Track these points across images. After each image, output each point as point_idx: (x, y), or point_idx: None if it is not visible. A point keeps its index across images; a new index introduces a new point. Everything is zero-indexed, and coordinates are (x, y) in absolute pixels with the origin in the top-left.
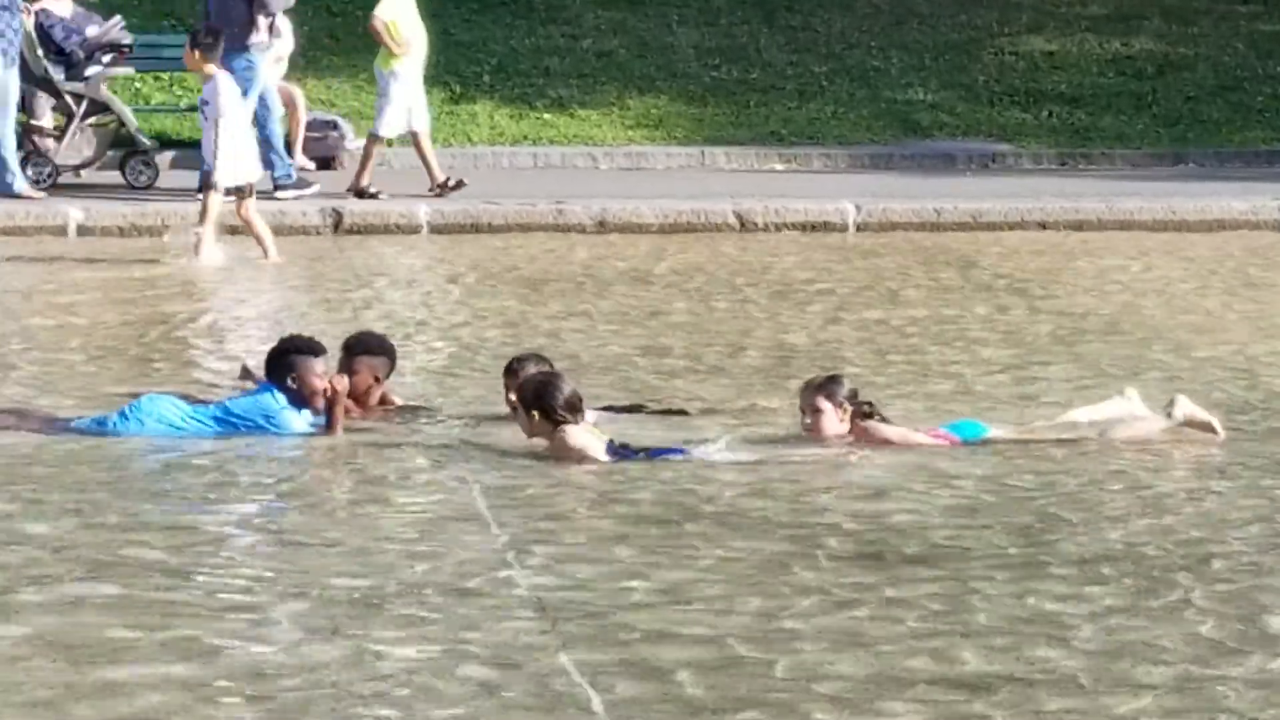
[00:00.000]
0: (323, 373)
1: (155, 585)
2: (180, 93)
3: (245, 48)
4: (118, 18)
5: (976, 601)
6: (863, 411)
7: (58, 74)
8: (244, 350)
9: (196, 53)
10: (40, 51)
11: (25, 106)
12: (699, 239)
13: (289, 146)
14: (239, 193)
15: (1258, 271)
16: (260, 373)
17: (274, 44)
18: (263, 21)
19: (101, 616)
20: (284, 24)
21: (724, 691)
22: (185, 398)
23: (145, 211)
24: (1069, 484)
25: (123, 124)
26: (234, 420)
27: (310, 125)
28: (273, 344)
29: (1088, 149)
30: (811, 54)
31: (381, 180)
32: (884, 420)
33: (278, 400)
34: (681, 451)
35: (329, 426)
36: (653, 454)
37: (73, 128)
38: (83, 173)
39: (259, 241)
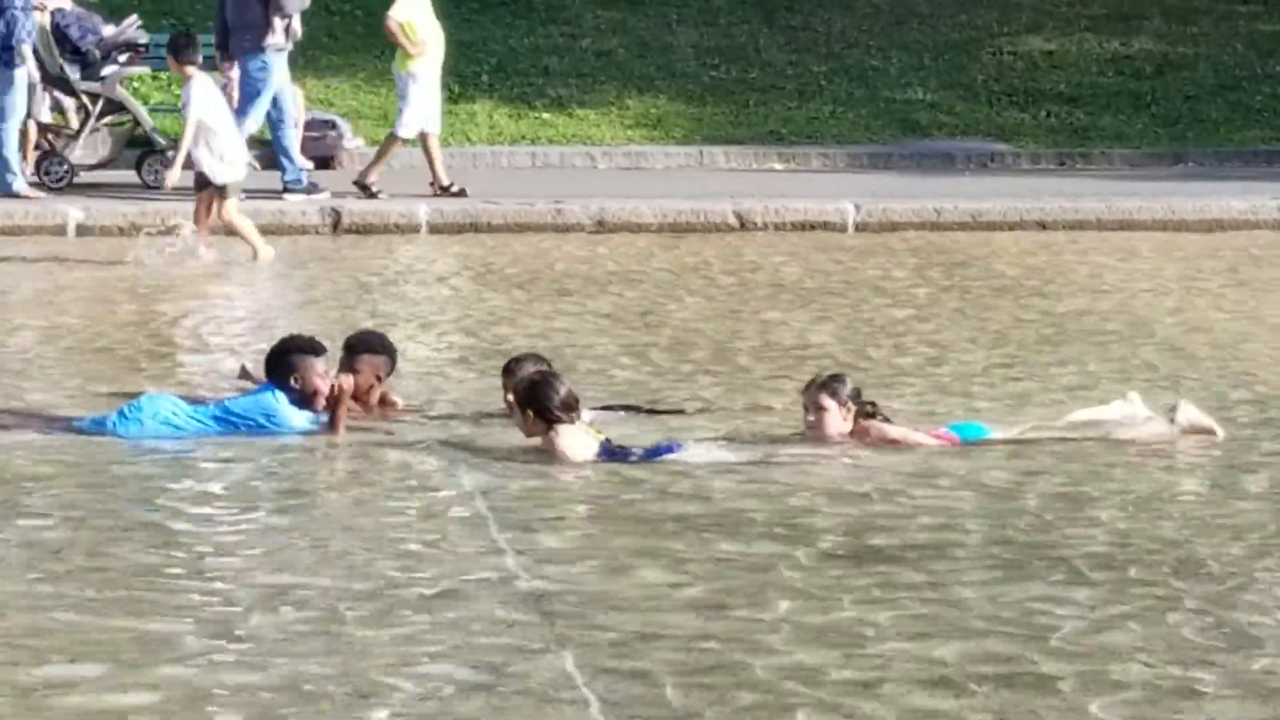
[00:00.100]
0: (324, 372)
1: (154, 584)
2: (180, 92)
3: (261, 49)
4: (134, 17)
5: (969, 601)
6: (866, 411)
7: (74, 73)
8: (242, 348)
9: (172, 57)
10: (56, 51)
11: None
12: (698, 239)
13: None
14: (220, 193)
15: (1257, 271)
16: (259, 373)
17: (290, 45)
18: (278, 23)
19: (101, 615)
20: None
21: (722, 692)
22: (185, 397)
23: (145, 211)
24: (1066, 485)
25: (138, 124)
26: (234, 420)
27: (309, 125)
28: (272, 344)
29: (1087, 149)
30: (811, 54)
31: (381, 180)
32: (887, 420)
33: (278, 399)
34: (679, 448)
35: (332, 425)
36: (649, 453)
37: (88, 127)
38: (82, 172)
39: (247, 241)
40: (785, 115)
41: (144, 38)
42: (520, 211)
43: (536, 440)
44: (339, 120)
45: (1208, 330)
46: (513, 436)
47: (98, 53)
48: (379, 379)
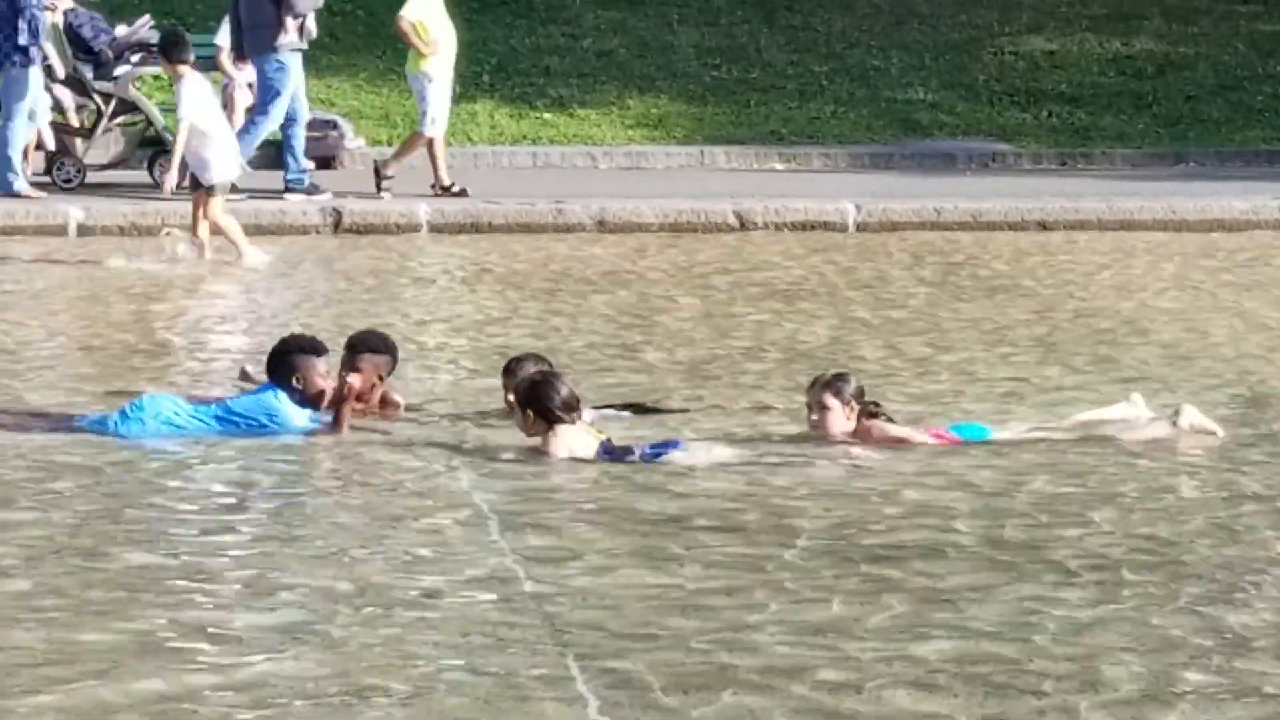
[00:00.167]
0: (325, 372)
1: (153, 584)
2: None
3: (274, 49)
4: (146, 17)
5: (964, 603)
6: (869, 410)
7: (86, 73)
8: (242, 348)
9: (163, 57)
10: (69, 50)
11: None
12: (699, 238)
13: None
14: (208, 192)
15: (1258, 271)
16: (259, 375)
17: (305, 44)
18: (291, 23)
19: (100, 615)
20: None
21: (720, 692)
22: (186, 397)
23: (145, 211)
24: (1065, 485)
25: (150, 124)
26: (236, 419)
27: (310, 125)
28: (273, 344)
29: (1088, 149)
30: (811, 54)
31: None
32: (889, 420)
33: (280, 399)
34: (679, 448)
35: (335, 425)
36: (650, 453)
37: (100, 127)
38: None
39: (231, 243)
40: (786, 115)
41: (156, 37)
42: (521, 211)
43: (537, 440)
44: (340, 120)
45: (1208, 330)
46: (513, 436)
47: (110, 53)
48: (380, 378)
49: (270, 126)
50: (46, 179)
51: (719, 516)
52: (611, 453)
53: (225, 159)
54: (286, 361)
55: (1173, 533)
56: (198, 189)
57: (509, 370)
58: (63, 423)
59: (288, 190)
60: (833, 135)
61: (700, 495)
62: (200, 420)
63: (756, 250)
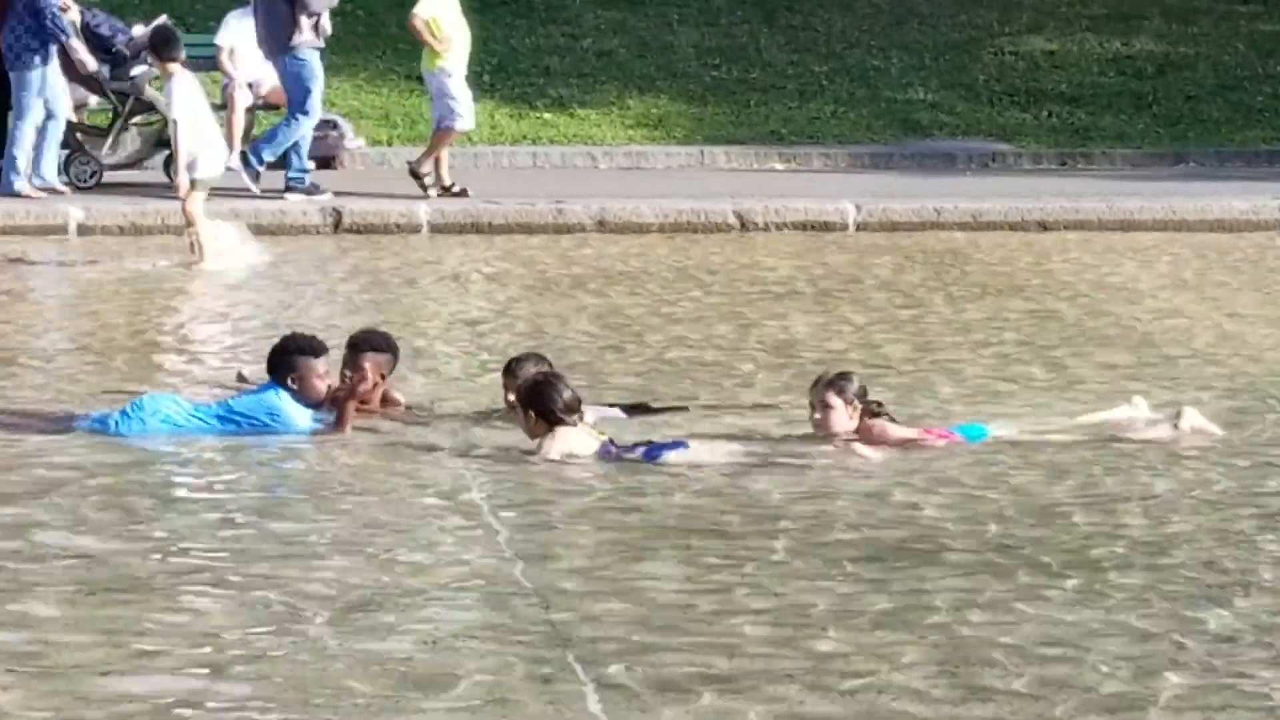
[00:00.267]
0: (324, 372)
1: (152, 584)
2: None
3: (291, 48)
4: (164, 17)
5: (962, 604)
6: (871, 410)
7: (104, 72)
8: (241, 347)
9: (154, 54)
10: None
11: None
12: (699, 238)
13: None
14: (190, 186)
15: (1259, 271)
16: (254, 378)
17: (322, 42)
18: (305, 21)
19: (99, 615)
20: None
21: (725, 691)
22: (187, 397)
23: (145, 210)
24: (1064, 486)
25: (168, 123)
26: (237, 419)
27: None
28: (273, 344)
29: (1088, 149)
30: (811, 54)
31: (381, 179)
32: (892, 419)
33: (282, 398)
34: (682, 447)
35: (338, 424)
36: (652, 452)
37: (118, 126)
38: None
39: (196, 243)
40: (786, 115)
41: None
42: (521, 211)
43: (539, 441)
44: (340, 120)
45: (1209, 330)
46: (514, 436)
47: (127, 52)
48: (382, 377)
49: (310, 123)
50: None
51: (720, 517)
52: (613, 453)
53: (211, 156)
54: (285, 361)
55: (1162, 533)
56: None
57: (509, 370)
58: (63, 422)
59: (288, 190)
60: (833, 135)
61: (701, 495)
62: (201, 420)
63: (756, 250)
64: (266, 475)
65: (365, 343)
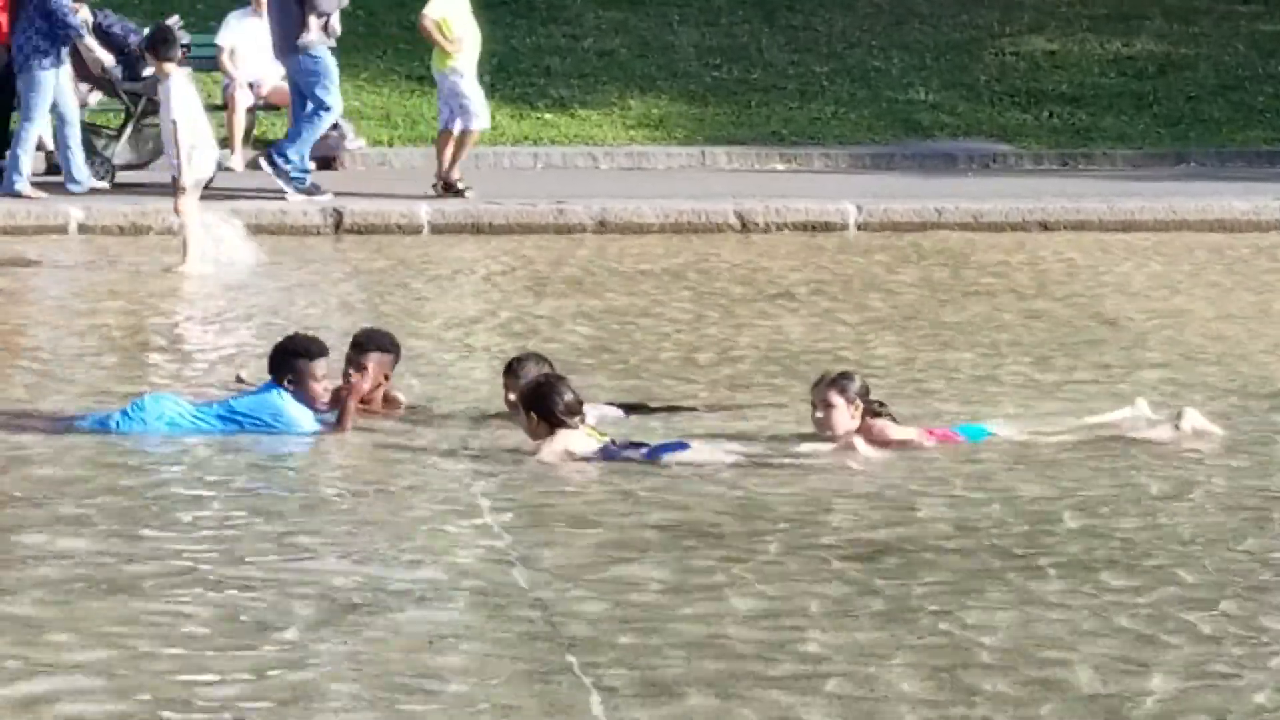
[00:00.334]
0: (324, 375)
1: (150, 583)
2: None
3: (302, 47)
4: (175, 18)
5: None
6: (873, 410)
7: (116, 73)
8: (241, 347)
9: (150, 54)
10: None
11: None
12: (699, 239)
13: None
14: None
15: (1259, 272)
16: (254, 379)
17: (332, 41)
18: (314, 21)
19: (99, 614)
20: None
21: (722, 691)
22: (188, 397)
23: (145, 210)
24: (1063, 486)
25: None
26: (239, 419)
27: None
28: (273, 345)
29: (1089, 149)
30: (812, 54)
31: (382, 180)
32: (893, 420)
33: (283, 398)
34: (684, 447)
35: (340, 422)
36: (653, 453)
37: (131, 126)
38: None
39: (183, 244)
40: (787, 116)
41: (186, 38)
42: (522, 212)
43: (540, 442)
44: (341, 121)
45: (1209, 330)
46: (515, 437)
47: (139, 53)
48: (385, 378)
49: (332, 118)
50: (49, 179)
51: (721, 517)
52: (613, 454)
53: (202, 157)
54: (286, 362)
55: (1154, 534)
56: (178, 192)
57: (510, 370)
58: (64, 422)
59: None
60: (833, 136)
61: (702, 496)
62: (203, 420)
63: (757, 251)
64: (267, 476)
65: (371, 342)
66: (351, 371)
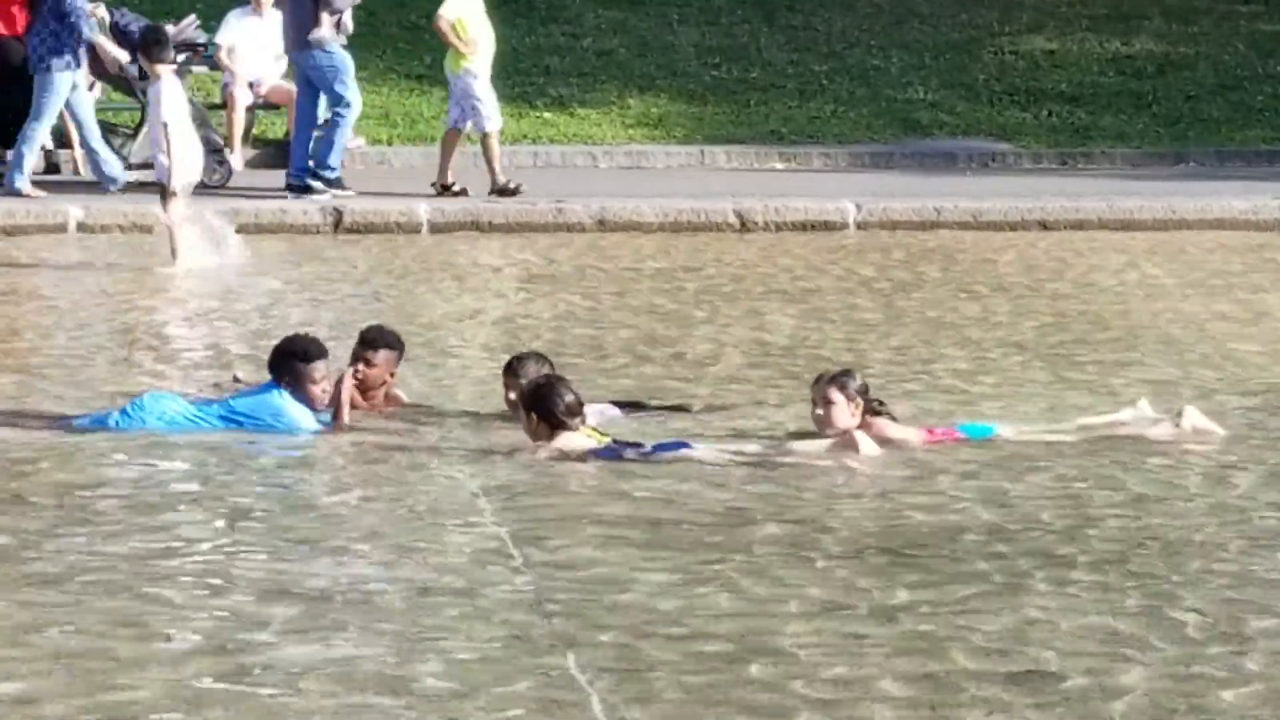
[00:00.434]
0: (322, 376)
1: (149, 584)
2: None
3: (315, 45)
4: (192, 17)
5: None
6: (873, 408)
7: (133, 71)
8: (240, 346)
9: (143, 55)
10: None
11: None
12: (699, 238)
13: (286, 145)
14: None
15: (1259, 271)
16: (250, 380)
17: (344, 39)
18: (326, 19)
19: (98, 614)
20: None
21: (722, 690)
22: (188, 396)
23: (145, 210)
24: (1062, 486)
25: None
26: (239, 418)
27: None
28: (273, 346)
29: (1088, 148)
30: (812, 53)
31: (381, 179)
32: (892, 418)
33: (283, 398)
34: (684, 446)
35: (336, 416)
36: (653, 452)
37: (147, 125)
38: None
39: (172, 246)
40: (786, 115)
41: (202, 37)
42: (521, 211)
43: (540, 442)
44: None
45: (1209, 330)
46: (514, 437)
47: None
48: (391, 374)
49: (354, 112)
50: (48, 178)
51: (724, 516)
52: (615, 453)
53: (188, 161)
54: (286, 363)
55: (1144, 533)
56: (165, 195)
57: (510, 369)
58: (62, 422)
59: (289, 189)
60: (833, 135)
61: (705, 494)
62: (202, 419)
63: (757, 250)
64: (266, 475)
65: (380, 339)
66: (359, 366)
